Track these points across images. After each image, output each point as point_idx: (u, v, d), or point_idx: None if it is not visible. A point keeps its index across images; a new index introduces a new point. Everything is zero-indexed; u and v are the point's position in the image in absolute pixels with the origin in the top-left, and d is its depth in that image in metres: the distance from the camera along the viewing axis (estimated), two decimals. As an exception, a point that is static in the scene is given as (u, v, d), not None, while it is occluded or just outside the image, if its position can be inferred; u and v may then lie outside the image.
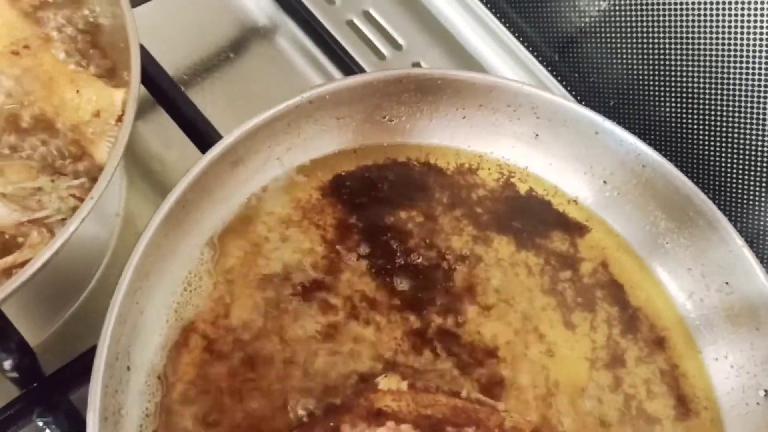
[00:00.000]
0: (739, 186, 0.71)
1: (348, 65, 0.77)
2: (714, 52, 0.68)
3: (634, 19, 0.73)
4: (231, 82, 0.77)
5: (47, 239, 0.47)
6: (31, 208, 0.47)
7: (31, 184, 0.48)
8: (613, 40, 0.75)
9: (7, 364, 0.49)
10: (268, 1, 0.81)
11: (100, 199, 0.46)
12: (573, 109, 0.63)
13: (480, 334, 0.56)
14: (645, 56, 0.73)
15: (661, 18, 0.71)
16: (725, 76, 0.68)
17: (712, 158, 0.72)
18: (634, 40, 0.73)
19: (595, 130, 0.63)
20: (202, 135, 0.63)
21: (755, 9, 0.64)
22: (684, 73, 0.71)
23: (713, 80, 0.69)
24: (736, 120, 0.69)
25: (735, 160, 0.71)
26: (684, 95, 0.72)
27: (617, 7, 0.74)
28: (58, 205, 0.48)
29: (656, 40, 0.72)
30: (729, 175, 0.71)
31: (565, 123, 0.63)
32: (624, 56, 0.75)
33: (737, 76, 0.67)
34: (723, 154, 0.71)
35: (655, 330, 0.61)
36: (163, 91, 0.63)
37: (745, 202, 0.71)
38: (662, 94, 0.74)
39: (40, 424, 0.51)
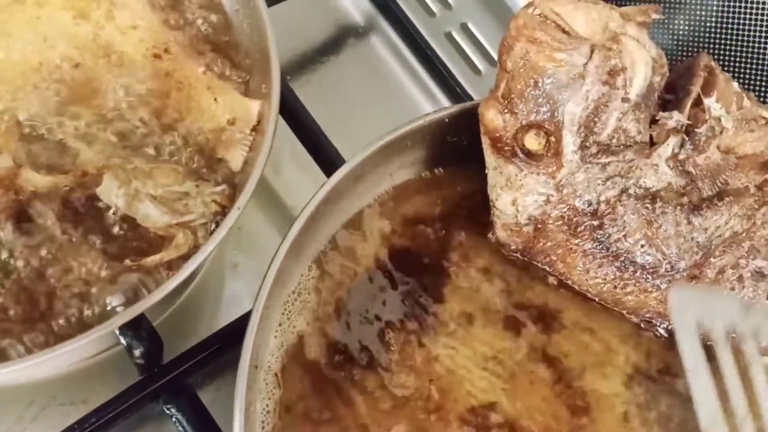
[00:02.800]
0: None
1: (445, 78, 0.79)
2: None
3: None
4: (328, 81, 0.79)
5: (191, 241, 0.50)
6: (179, 211, 0.50)
7: (179, 189, 0.51)
8: None
9: (138, 351, 0.52)
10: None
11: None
12: None
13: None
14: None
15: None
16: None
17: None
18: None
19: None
20: (325, 155, 0.66)
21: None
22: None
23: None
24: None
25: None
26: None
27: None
28: (202, 210, 0.51)
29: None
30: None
31: None
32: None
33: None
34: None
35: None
36: (290, 110, 0.66)
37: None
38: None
39: (165, 410, 0.55)
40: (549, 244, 0.55)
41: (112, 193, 0.49)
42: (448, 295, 0.56)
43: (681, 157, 0.54)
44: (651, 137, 0.54)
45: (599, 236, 0.54)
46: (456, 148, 0.60)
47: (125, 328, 0.51)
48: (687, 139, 0.54)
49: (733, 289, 0.56)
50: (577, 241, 0.55)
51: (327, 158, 0.66)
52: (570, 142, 0.52)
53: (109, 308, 0.49)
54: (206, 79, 0.56)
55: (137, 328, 0.52)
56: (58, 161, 0.51)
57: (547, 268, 0.57)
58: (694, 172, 0.55)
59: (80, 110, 0.52)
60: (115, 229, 0.50)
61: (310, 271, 0.56)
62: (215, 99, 0.55)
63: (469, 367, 0.53)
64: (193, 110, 0.55)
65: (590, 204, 0.54)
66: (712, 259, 0.55)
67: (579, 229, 0.54)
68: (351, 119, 0.75)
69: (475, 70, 0.83)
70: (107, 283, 0.48)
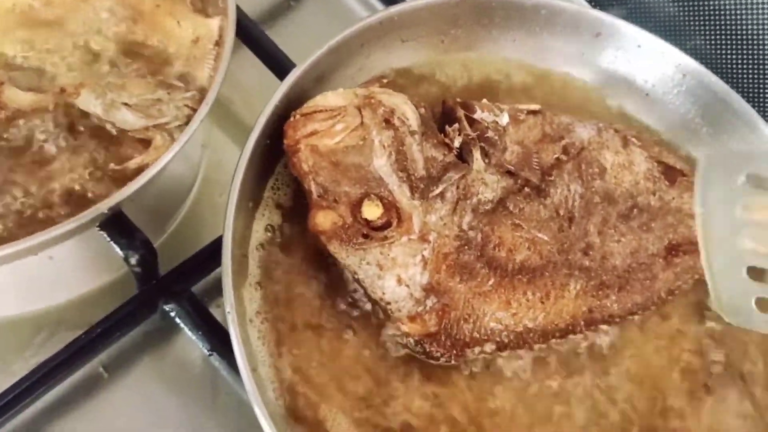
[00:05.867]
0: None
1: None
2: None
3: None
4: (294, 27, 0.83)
5: (168, 143, 0.54)
6: (153, 115, 0.55)
7: (151, 96, 0.55)
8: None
9: (134, 259, 0.56)
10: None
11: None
12: (615, 24, 0.68)
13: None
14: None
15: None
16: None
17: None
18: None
19: (638, 43, 0.69)
20: (280, 64, 0.69)
21: None
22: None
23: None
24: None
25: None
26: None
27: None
28: (176, 113, 0.55)
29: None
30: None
31: (608, 38, 0.68)
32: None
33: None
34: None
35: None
36: (244, 28, 0.69)
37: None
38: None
39: (167, 309, 0.59)
40: (462, 305, 0.53)
41: (90, 104, 0.54)
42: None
43: (493, 161, 0.57)
44: (458, 156, 0.57)
45: (490, 262, 0.54)
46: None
47: (118, 236, 0.55)
48: (486, 147, 0.58)
49: (618, 242, 0.58)
50: (478, 282, 0.53)
51: (279, 65, 0.69)
52: (401, 190, 0.53)
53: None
54: (168, 7, 0.61)
55: (130, 236, 0.56)
56: (38, 84, 0.55)
57: (488, 339, 0.54)
58: (512, 169, 0.57)
59: (54, 40, 0.57)
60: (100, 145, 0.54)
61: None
62: (178, 22, 0.60)
63: None
64: (161, 35, 0.60)
65: (460, 238, 0.54)
66: (589, 227, 0.58)
67: (471, 268, 0.53)
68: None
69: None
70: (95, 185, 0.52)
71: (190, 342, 0.60)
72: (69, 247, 0.63)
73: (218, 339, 0.57)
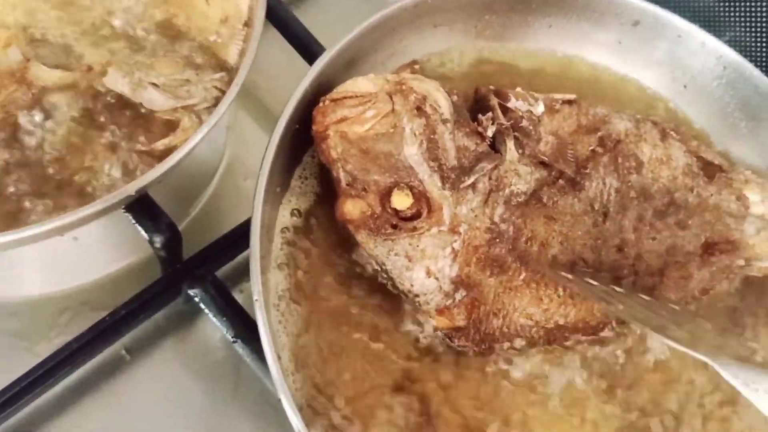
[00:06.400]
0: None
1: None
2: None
3: None
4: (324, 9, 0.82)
5: (196, 125, 0.53)
6: (182, 96, 0.54)
7: (180, 76, 0.55)
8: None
9: (158, 241, 0.55)
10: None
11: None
12: (655, 13, 0.66)
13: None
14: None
15: None
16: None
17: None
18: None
19: (678, 33, 0.67)
20: (309, 48, 0.68)
21: None
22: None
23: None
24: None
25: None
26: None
27: None
28: (204, 95, 0.54)
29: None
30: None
31: (648, 27, 0.67)
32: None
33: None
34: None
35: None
36: (273, 9, 0.67)
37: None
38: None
39: (191, 293, 0.58)
40: (491, 299, 0.51)
41: (117, 83, 0.53)
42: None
43: (527, 152, 0.56)
44: (491, 146, 0.56)
45: (522, 257, 0.52)
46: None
47: (143, 219, 0.54)
48: (519, 136, 0.56)
49: (653, 239, 0.56)
50: (510, 276, 0.52)
51: (308, 49, 0.68)
52: (431, 180, 0.51)
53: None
54: (196, -13, 0.60)
55: (155, 219, 0.55)
56: (65, 61, 0.54)
57: (517, 334, 0.53)
58: (546, 160, 0.56)
59: (83, 18, 0.56)
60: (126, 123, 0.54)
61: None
62: (206, 1, 0.59)
63: None
64: (189, 14, 0.59)
65: (491, 231, 0.52)
66: (624, 222, 0.56)
67: (501, 262, 0.52)
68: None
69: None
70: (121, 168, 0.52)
71: (213, 326, 0.59)
72: (94, 228, 0.63)
73: (243, 325, 0.56)
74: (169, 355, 0.62)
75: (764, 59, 0.77)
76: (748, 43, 0.78)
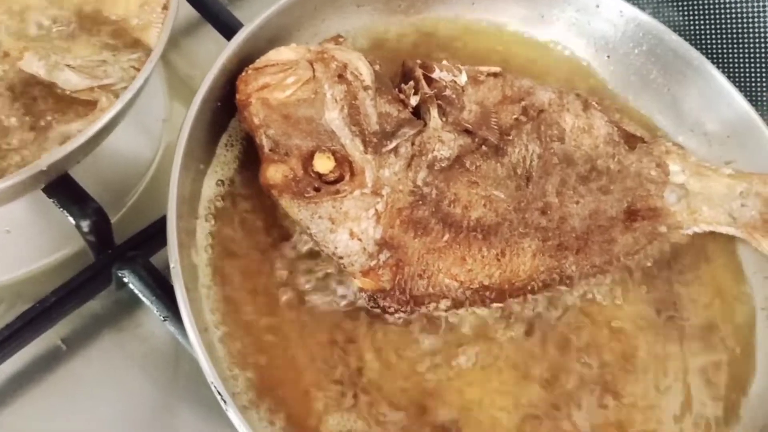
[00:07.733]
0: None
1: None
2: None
3: None
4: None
5: (113, 104, 0.53)
6: (99, 76, 0.54)
7: (97, 57, 0.55)
8: None
9: (85, 225, 0.55)
10: None
11: (147, 107, 0.50)
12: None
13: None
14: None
15: None
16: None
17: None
18: None
19: (596, 3, 0.68)
20: (231, 27, 0.68)
21: None
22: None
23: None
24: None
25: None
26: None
27: None
28: (121, 75, 0.55)
29: None
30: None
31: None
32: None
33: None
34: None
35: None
36: None
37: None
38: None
39: (120, 274, 0.58)
40: (416, 260, 0.52)
41: (33, 65, 0.53)
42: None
43: (450, 119, 0.57)
44: (416, 114, 0.57)
45: (445, 219, 0.53)
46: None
47: (68, 204, 0.54)
48: (443, 105, 0.57)
49: (577, 203, 0.58)
50: (433, 238, 0.53)
51: (230, 28, 0.69)
52: (353, 144, 0.52)
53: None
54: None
55: (81, 203, 0.55)
56: (-19, 51, 0.55)
57: (443, 295, 0.53)
58: (470, 127, 0.57)
59: (2, 5, 0.56)
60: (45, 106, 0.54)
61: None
62: (125, -12, 0.59)
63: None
64: (107, 1, 0.59)
65: (414, 194, 0.53)
66: (547, 187, 0.58)
67: (425, 224, 0.53)
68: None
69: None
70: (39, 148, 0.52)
71: (151, 315, 0.59)
72: (25, 219, 0.63)
73: (173, 303, 0.56)
74: (107, 345, 0.62)
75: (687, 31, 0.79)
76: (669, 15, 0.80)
